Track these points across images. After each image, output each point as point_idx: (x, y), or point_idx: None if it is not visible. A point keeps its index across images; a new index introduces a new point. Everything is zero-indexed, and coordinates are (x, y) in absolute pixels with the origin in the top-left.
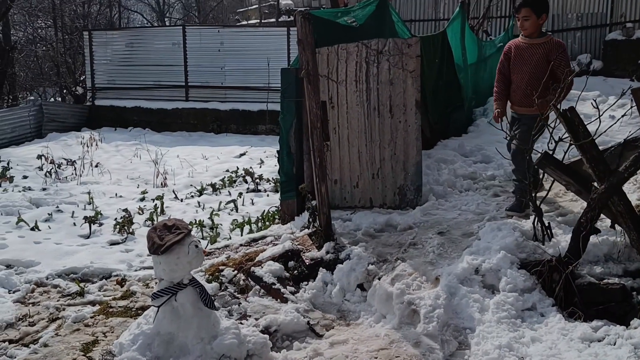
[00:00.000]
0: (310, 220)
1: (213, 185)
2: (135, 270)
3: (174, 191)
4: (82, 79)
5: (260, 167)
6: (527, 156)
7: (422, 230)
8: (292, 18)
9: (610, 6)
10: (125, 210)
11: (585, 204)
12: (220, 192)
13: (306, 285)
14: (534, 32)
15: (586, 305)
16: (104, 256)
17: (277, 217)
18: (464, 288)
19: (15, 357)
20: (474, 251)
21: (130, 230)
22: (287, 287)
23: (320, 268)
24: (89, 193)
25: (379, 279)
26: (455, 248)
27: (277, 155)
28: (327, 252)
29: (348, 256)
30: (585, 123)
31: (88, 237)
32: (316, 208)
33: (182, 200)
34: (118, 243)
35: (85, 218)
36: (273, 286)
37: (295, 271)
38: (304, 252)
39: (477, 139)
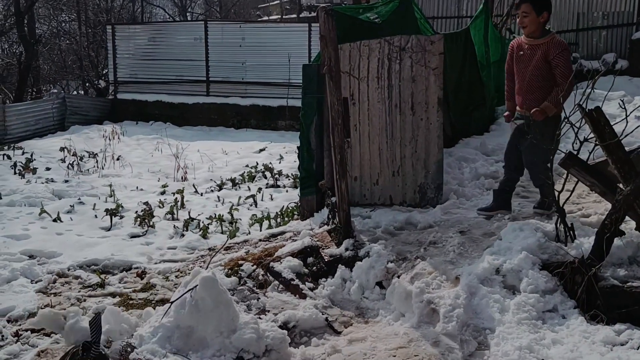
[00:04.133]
0: (330, 216)
1: (233, 180)
2: (155, 263)
3: (194, 185)
4: (104, 72)
5: (280, 162)
6: (547, 163)
7: (442, 229)
8: (313, 14)
9: (637, 5)
10: (146, 203)
11: (609, 206)
12: (239, 187)
13: (325, 281)
14: (534, 31)
15: (609, 309)
16: (125, 248)
17: (296, 213)
18: (484, 288)
19: (37, 346)
20: (495, 251)
21: (151, 223)
22: (306, 283)
23: (339, 265)
24: (110, 186)
25: (399, 277)
26: (476, 248)
27: (297, 151)
28: (346, 249)
29: (367, 253)
30: (611, 123)
31: (109, 229)
32: (336, 205)
33: (202, 195)
34: (138, 236)
35: (107, 210)
36: (292, 282)
37: (314, 267)
38: (323, 249)
39: (499, 137)
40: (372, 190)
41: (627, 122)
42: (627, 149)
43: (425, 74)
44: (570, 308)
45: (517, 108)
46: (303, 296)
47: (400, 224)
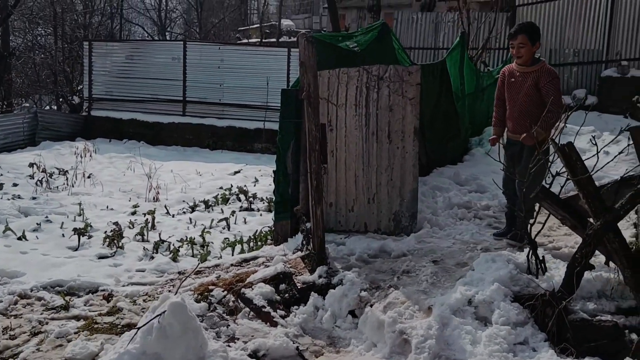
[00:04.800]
0: (304, 242)
1: (206, 202)
2: (123, 286)
3: (165, 206)
4: (79, 88)
5: (255, 185)
6: (536, 188)
7: (416, 258)
8: (293, 39)
9: (606, 44)
10: (116, 223)
11: (579, 239)
12: (212, 210)
13: (297, 309)
14: (528, 60)
15: (578, 342)
16: (92, 270)
17: (269, 237)
18: (456, 319)
19: None
20: (468, 282)
21: (120, 244)
22: (278, 310)
23: (312, 292)
24: (79, 204)
25: (371, 306)
26: (449, 278)
27: (272, 175)
28: (320, 277)
29: (341, 281)
30: (582, 158)
31: (76, 249)
32: (310, 231)
33: (173, 216)
34: (107, 257)
35: (75, 230)
36: (263, 309)
37: (287, 294)
38: (296, 275)
39: (473, 168)
40: (347, 217)
41: (597, 157)
42: (597, 183)
43: (402, 103)
44: (540, 341)
45: (508, 133)
46: (274, 324)
47: (375, 252)
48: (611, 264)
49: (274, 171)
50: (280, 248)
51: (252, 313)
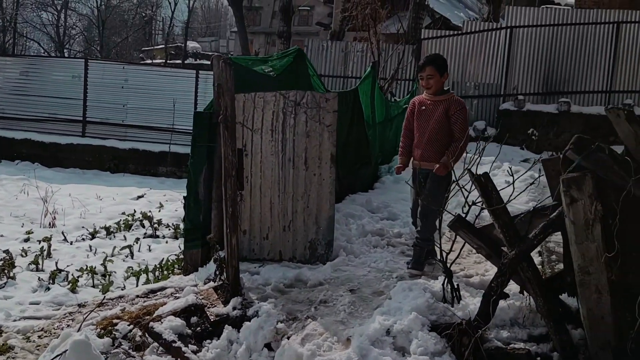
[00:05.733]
0: (217, 272)
1: (107, 229)
2: (15, 321)
3: (63, 232)
4: None
5: (160, 211)
6: (438, 216)
7: (333, 287)
8: (200, 61)
9: (504, 78)
10: (6, 251)
11: (490, 266)
12: (114, 237)
13: (210, 343)
14: (438, 90)
15: None
16: None
17: (177, 266)
18: (375, 350)
19: None
20: (385, 311)
21: (11, 274)
22: (189, 345)
23: (226, 325)
24: None
25: (288, 338)
26: (366, 307)
27: (182, 201)
28: (234, 308)
29: (256, 313)
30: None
31: None
32: (224, 260)
33: (71, 243)
34: None
35: None
36: (173, 344)
37: (199, 328)
38: (209, 308)
39: (383, 195)
40: (262, 245)
41: (513, 188)
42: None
43: (319, 130)
44: None
45: (415, 162)
46: None
47: (290, 281)
48: (524, 292)
49: (184, 197)
50: (191, 278)
51: (161, 348)
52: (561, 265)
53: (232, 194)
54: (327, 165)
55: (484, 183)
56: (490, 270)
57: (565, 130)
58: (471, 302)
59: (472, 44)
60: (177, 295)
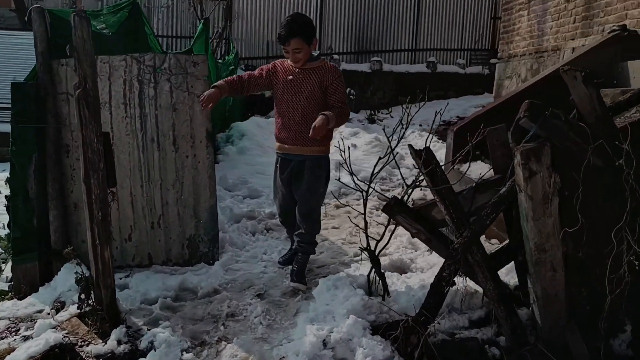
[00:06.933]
0: (83, 296)
1: None
2: None
3: None
4: None
5: None
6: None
7: (235, 294)
8: None
9: (318, 38)
10: None
11: (417, 253)
12: None
13: None
14: (307, 59)
15: None
16: None
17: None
18: None
19: None
20: (313, 317)
21: None
22: None
23: None
24: None
25: None
26: (285, 314)
27: (6, 202)
28: (119, 343)
29: (151, 345)
30: None
31: None
32: (90, 280)
33: None
34: None
35: None
36: None
37: None
38: (82, 346)
39: (235, 169)
40: (123, 249)
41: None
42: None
43: (188, 101)
44: None
45: (285, 148)
46: None
47: (176, 292)
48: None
49: (7, 196)
50: (30, 302)
51: None
52: None
53: (102, 192)
54: (202, 144)
55: (427, 159)
56: (418, 257)
57: (379, 89)
58: (403, 295)
59: (284, 2)
60: (16, 329)
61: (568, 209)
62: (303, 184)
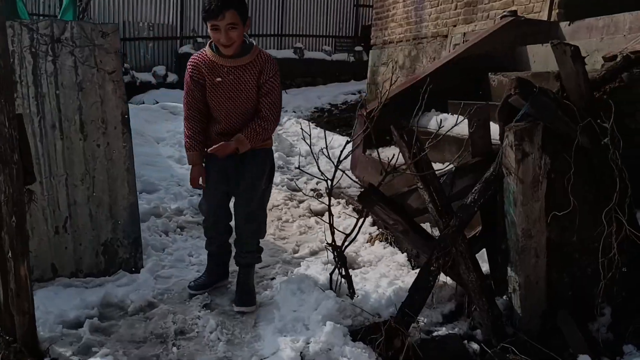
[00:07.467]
0: None
1: None
2: None
3: None
4: None
5: None
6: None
7: (177, 307)
8: None
9: (179, 19)
10: None
11: (363, 250)
12: None
13: None
14: (239, 46)
15: None
16: None
17: None
18: None
19: None
20: (282, 327)
21: None
22: None
23: None
24: None
25: None
26: (244, 327)
27: None
28: None
29: None
30: None
31: None
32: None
33: None
34: None
35: None
36: None
37: None
38: None
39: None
40: None
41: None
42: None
43: (98, 79)
44: None
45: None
46: None
47: (99, 310)
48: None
49: None
50: None
51: None
52: None
53: (16, 192)
54: (117, 130)
55: (409, 141)
56: (360, 250)
57: None
58: (372, 294)
59: None
60: None
61: (552, 193)
62: (243, 185)
